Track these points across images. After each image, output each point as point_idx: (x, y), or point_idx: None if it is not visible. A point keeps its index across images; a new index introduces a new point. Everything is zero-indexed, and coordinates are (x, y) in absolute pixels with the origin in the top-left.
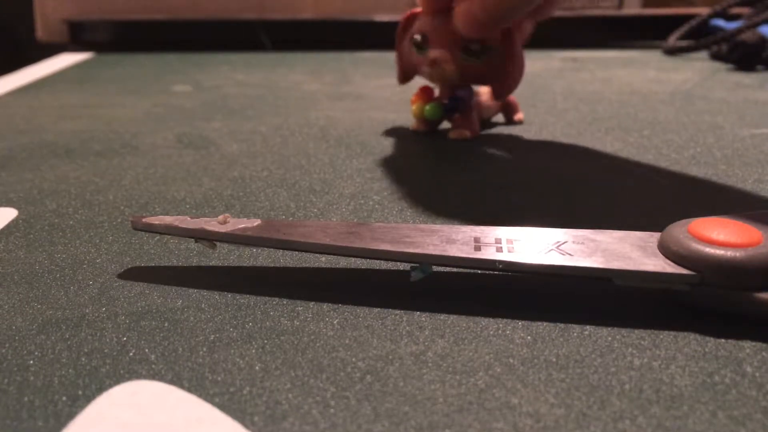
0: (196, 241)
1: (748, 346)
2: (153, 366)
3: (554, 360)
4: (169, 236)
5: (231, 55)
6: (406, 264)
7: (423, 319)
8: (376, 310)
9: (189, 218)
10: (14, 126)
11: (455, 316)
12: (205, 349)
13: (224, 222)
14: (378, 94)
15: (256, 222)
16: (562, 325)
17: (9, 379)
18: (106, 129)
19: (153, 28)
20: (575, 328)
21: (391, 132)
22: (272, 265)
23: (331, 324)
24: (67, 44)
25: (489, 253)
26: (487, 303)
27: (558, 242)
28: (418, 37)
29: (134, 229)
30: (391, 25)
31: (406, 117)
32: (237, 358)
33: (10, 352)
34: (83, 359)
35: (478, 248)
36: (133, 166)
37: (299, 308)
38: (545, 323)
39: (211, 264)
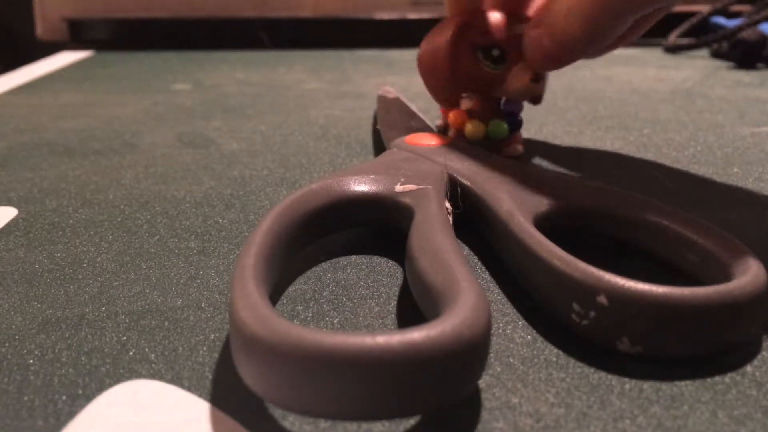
0: None
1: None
2: (153, 365)
3: (554, 360)
4: (168, 237)
5: (231, 54)
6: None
7: (423, 319)
8: (376, 309)
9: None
10: (14, 125)
11: None
12: (205, 349)
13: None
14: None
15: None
16: (562, 325)
17: (9, 379)
18: (106, 128)
19: (153, 27)
20: None
21: None
22: None
23: (331, 324)
24: (66, 42)
25: None
26: None
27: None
28: (496, 51)
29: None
30: (391, 24)
31: None
32: None
33: (10, 352)
34: (83, 359)
35: None
36: (132, 165)
37: (299, 308)
38: (545, 323)
39: (211, 263)
